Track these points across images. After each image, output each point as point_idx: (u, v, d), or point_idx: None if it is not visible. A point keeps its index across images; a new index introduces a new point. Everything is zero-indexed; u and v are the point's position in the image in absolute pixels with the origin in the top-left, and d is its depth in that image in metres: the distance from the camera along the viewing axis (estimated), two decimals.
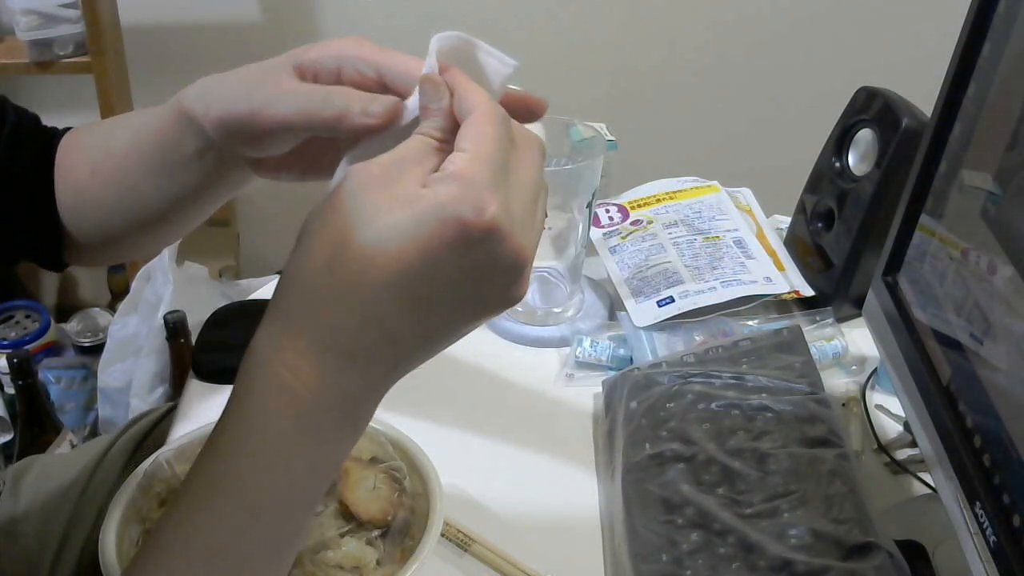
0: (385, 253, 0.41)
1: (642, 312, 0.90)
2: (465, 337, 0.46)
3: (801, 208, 0.98)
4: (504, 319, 0.92)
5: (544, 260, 0.90)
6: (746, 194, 1.04)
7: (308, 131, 0.50)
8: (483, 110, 0.44)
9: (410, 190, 0.41)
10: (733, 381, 0.76)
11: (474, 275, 0.42)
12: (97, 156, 0.65)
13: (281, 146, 0.53)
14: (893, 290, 0.71)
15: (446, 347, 0.46)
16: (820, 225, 0.95)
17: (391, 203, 0.41)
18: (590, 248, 0.96)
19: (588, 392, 0.85)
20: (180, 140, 0.57)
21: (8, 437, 1.55)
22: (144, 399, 1.53)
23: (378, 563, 0.64)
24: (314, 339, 0.42)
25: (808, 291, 0.92)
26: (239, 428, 0.43)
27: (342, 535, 0.66)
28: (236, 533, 0.43)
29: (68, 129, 0.68)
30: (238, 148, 0.54)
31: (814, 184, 0.96)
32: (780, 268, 0.94)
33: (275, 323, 0.43)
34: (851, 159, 0.91)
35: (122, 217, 0.63)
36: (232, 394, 0.44)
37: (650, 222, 0.98)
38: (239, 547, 0.43)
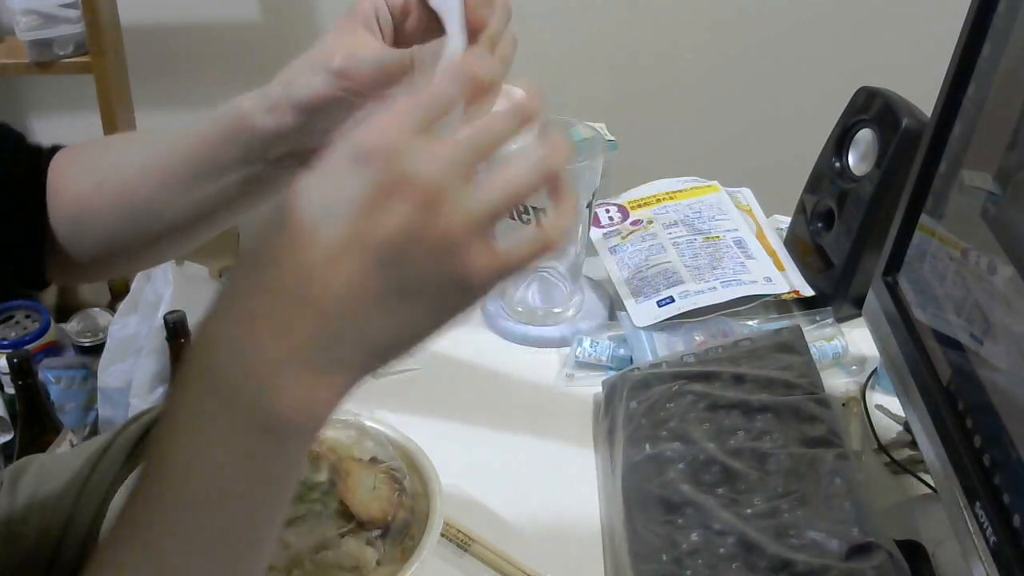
0: (282, 211, 0.39)
1: (642, 312, 0.90)
2: (449, 325, 0.41)
3: (801, 208, 0.98)
4: (504, 319, 0.92)
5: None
6: (746, 194, 1.04)
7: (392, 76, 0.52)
8: (451, 63, 0.43)
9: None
10: (733, 381, 0.76)
11: (364, 208, 0.38)
12: (104, 169, 0.65)
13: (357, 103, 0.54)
14: (893, 290, 0.71)
15: (396, 321, 0.40)
16: (820, 225, 0.95)
17: (317, 166, 0.40)
18: (590, 248, 0.96)
19: (588, 392, 0.85)
20: (220, 151, 0.58)
21: (8, 437, 1.54)
22: (144, 399, 1.53)
23: (378, 563, 0.64)
24: (223, 308, 0.41)
25: (808, 291, 0.92)
26: (166, 410, 0.42)
27: (342, 535, 0.65)
28: (171, 521, 0.41)
29: (56, 148, 0.67)
30: (319, 122, 0.55)
31: (814, 184, 0.96)
32: (780, 268, 0.94)
33: (219, 293, 0.42)
34: (851, 159, 0.91)
35: (131, 230, 0.64)
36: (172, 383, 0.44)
37: (650, 222, 0.98)
38: (177, 538, 0.41)
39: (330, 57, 0.57)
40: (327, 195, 0.39)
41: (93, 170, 0.65)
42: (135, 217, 0.63)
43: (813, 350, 0.80)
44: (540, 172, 0.41)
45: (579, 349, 0.87)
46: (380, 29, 0.59)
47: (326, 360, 0.40)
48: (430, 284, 0.40)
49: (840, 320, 0.91)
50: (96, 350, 1.69)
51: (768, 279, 0.92)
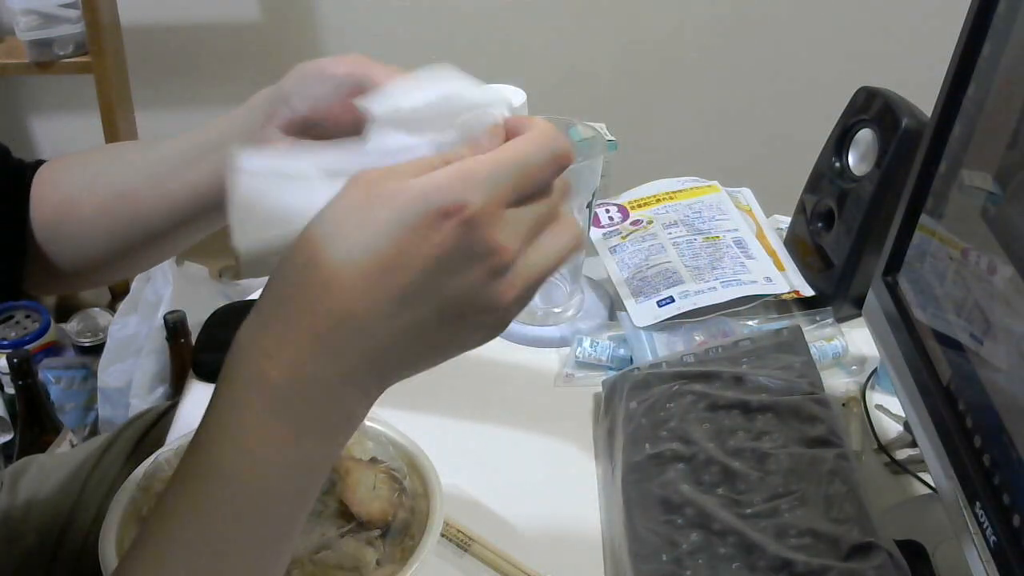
0: (361, 244, 0.41)
1: (642, 312, 0.90)
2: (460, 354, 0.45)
3: (801, 208, 0.98)
4: None
5: None
6: (746, 194, 1.04)
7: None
8: (535, 129, 0.44)
9: (397, 184, 0.41)
10: (733, 381, 0.76)
11: (447, 264, 0.41)
12: (94, 172, 0.65)
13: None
14: (893, 290, 0.71)
15: (437, 354, 0.45)
16: (820, 225, 0.95)
17: (375, 200, 0.41)
18: (590, 248, 0.96)
19: (588, 392, 0.85)
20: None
21: (8, 437, 1.55)
22: (144, 399, 1.54)
23: (378, 563, 0.64)
24: (289, 328, 0.42)
25: (808, 291, 0.92)
26: (220, 418, 0.43)
27: (342, 535, 0.66)
28: (219, 525, 0.43)
29: (40, 162, 0.68)
30: (309, 96, 0.57)
31: (814, 184, 0.96)
32: (780, 268, 0.94)
33: (257, 314, 0.44)
34: (851, 159, 0.91)
35: (122, 234, 0.64)
36: (215, 388, 0.44)
37: (650, 222, 0.98)
38: (223, 541, 0.43)
39: (322, 70, 0.57)
40: (407, 239, 0.41)
41: (81, 176, 0.66)
42: (118, 222, 0.63)
43: (813, 350, 0.80)
44: (579, 239, 0.46)
45: (579, 349, 0.87)
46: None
47: (375, 382, 0.44)
48: (477, 330, 0.44)
49: (840, 320, 0.91)
50: (96, 350, 1.69)
51: (768, 279, 0.92)
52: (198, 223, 0.63)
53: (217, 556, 0.43)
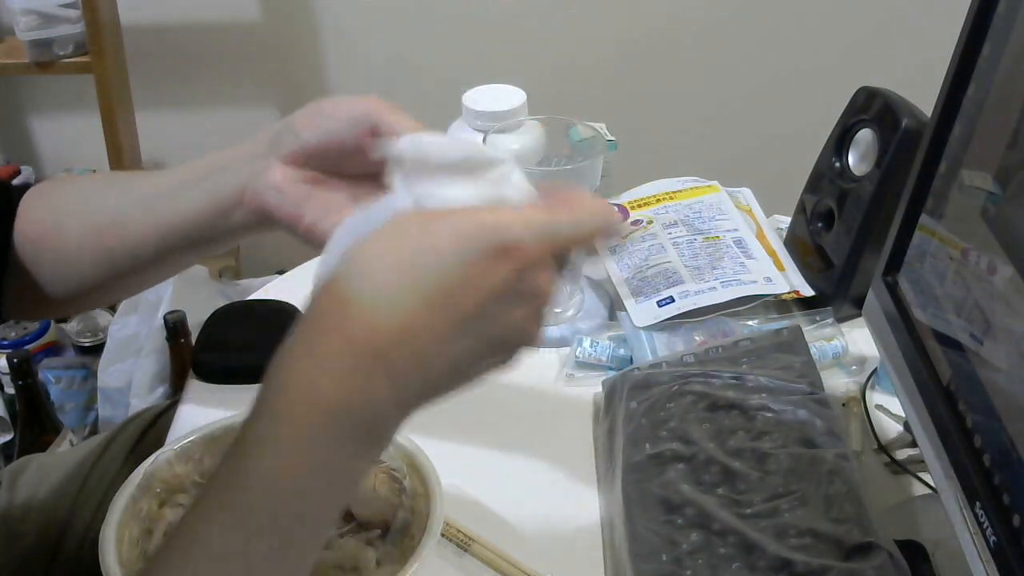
0: (426, 267, 0.42)
1: (642, 312, 0.90)
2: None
3: (801, 208, 0.98)
4: None
5: None
6: (746, 194, 1.04)
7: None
8: (600, 206, 0.48)
9: (464, 213, 0.44)
10: (733, 381, 0.76)
11: (501, 299, 0.43)
12: (82, 198, 0.65)
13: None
14: (893, 290, 0.71)
15: (469, 381, 0.46)
16: (820, 225, 0.95)
17: (444, 225, 0.43)
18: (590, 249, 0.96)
19: (588, 392, 0.85)
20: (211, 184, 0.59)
21: (8, 437, 1.55)
22: (144, 399, 1.53)
23: (378, 563, 0.64)
24: (346, 339, 0.42)
25: (808, 291, 0.92)
26: (264, 428, 0.43)
27: (342, 535, 0.66)
28: (254, 536, 0.42)
29: (26, 186, 0.68)
30: (319, 129, 0.57)
31: (814, 184, 0.96)
32: (780, 268, 0.94)
33: (309, 321, 0.44)
34: (851, 159, 0.91)
35: (108, 260, 0.63)
36: (257, 395, 0.44)
37: (650, 222, 0.98)
38: (256, 553, 0.43)
39: (338, 106, 0.58)
40: (467, 270, 0.42)
41: (64, 202, 0.65)
42: (106, 247, 0.63)
43: (813, 350, 0.80)
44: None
45: (579, 349, 0.87)
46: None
47: (419, 404, 0.45)
48: (506, 358, 0.47)
49: (840, 320, 0.91)
50: (96, 350, 1.69)
51: (768, 279, 0.92)
52: (188, 251, 0.62)
53: (249, 567, 0.43)
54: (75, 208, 0.65)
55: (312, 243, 0.58)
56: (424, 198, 0.47)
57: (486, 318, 0.43)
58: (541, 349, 0.91)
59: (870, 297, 0.74)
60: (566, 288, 0.92)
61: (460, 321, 0.43)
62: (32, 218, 0.65)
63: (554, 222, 0.45)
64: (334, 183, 0.58)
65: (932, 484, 0.72)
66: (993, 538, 0.52)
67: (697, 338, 0.87)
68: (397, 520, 0.66)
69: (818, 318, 0.90)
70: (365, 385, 0.42)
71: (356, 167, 0.58)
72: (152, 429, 0.89)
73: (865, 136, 0.90)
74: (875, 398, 0.85)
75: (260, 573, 0.43)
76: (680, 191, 1.02)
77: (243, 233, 0.61)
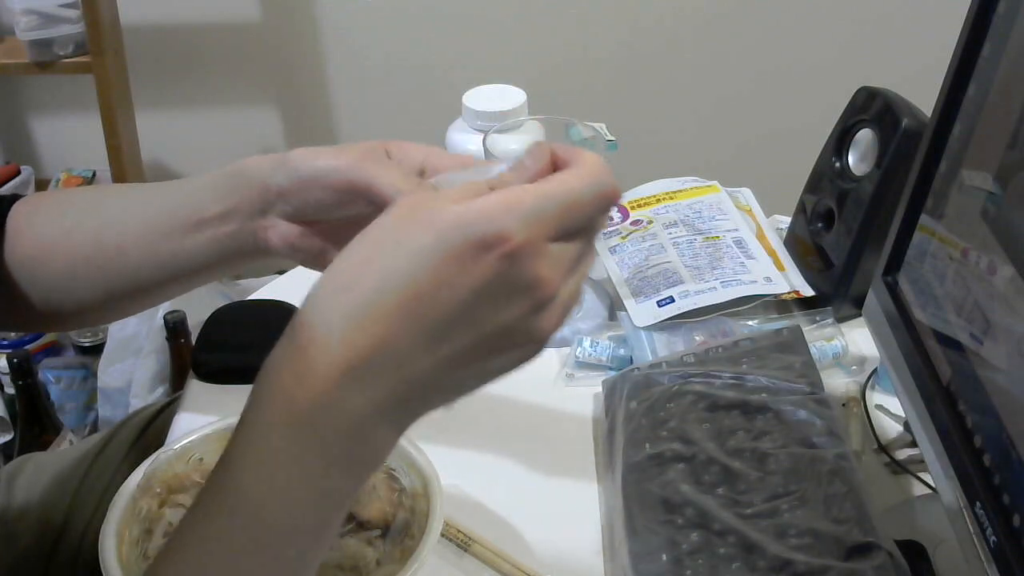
0: (398, 271, 0.40)
1: (642, 312, 0.90)
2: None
3: (801, 208, 0.98)
4: None
5: None
6: (746, 194, 1.04)
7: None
8: (585, 164, 0.43)
9: (440, 207, 0.40)
10: (733, 381, 0.76)
11: (487, 297, 0.40)
12: (77, 217, 0.63)
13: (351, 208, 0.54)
14: (893, 290, 0.71)
15: (469, 385, 0.44)
16: (820, 225, 0.95)
17: (414, 225, 0.40)
18: None
19: (588, 392, 0.85)
20: (212, 201, 0.57)
21: (8, 437, 1.55)
22: (144, 399, 1.54)
23: (378, 563, 0.64)
24: (321, 351, 0.41)
25: (808, 291, 0.92)
26: (246, 441, 0.42)
27: (342, 535, 0.65)
28: (240, 554, 0.42)
29: (16, 197, 0.66)
30: (308, 202, 0.54)
31: (814, 184, 0.96)
32: (780, 268, 0.94)
33: (290, 334, 0.42)
34: (851, 159, 0.91)
35: (106, 285, 0.62)
36: (244, 408, 0.43)
37: (650, 222, 0.98)
38: (243, 571, 0.42)
39: (318, 176, 0.54)
40: (446, 269, 0.39)
41: (59, 220, 0.64)
42: (104, 274, 0.61)
43: (813, 350, 0.80)
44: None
45: (579, 349, 0.87)
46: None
47: (406, 416, 0.43)
48: (511, 359, 0.44)
49: (840, 320, 0.91)
50: (96, 350, 1.69)
51: (768, 279, 0.92)
52: (191, 281, 0.61)
53: None
54: (71, 230, 0.63)
55: None
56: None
57: (473, 318, 0.40)
58: None
59: (870, 297, 0.74)
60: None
61: (440, 322, 0.40)
62: (27, 234, 0.63)
63: (543, 203, 0.41)
64: (346, 225, 0.55)
65: (932, 484, 0.72)
66: (993, 538, 0.52)
67: (697, 338, 0.87)
68: (397, 520, 0.66)
69: (818, 318, 0.90)
70: (340, 395, 0.40)
71: (360, 211, 0.56)
72: (150, 428, 0.88)
73: (865, 136, 0.90)
74: (875, 398, 0.85)
75: None
76: (680, 191, 1.02)
77: (261, 263, 0.60)
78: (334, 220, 0.56)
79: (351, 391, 0.41)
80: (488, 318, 0.41)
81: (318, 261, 0.57)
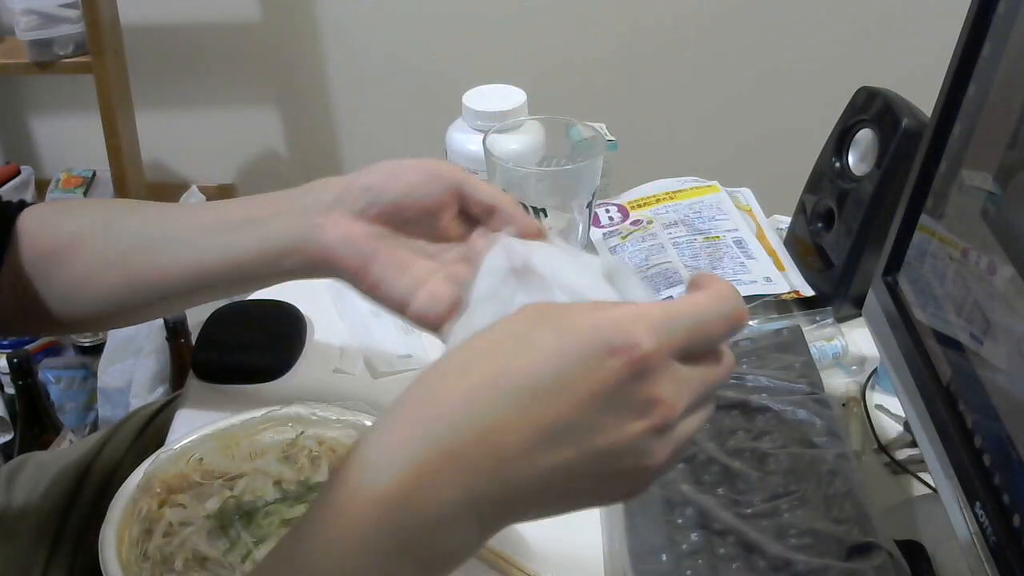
0: (520, 363, 0.38)
1: None
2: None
3: (801, 208, 0.98)
4: None
5: None
6: (746, 194, 1.04)
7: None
8: (714, 287, 0.42)
9: (572, 313, 0.40)
10: (733, 381, 0.76)
11: (606, 404, 0.38)
12: (104, 221, 0.64)
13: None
14: (893, 290, 0.71)
15: (564, 505, 0.41)
16: (820, 225, 0.95)
17: (542, 325, 0.40)
18: (590, 248, 0.96)
19: None
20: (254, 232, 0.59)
21: (8, 437, 1.55)
22: (144, 399, 1.54)
23: None
24: (423, 432, 0.38)
25: (808, 291, 0.92)
26: (321, 514, 0.40)
27: None
28: None
29: (22, 203, 0.66)
30: (395, 187, 0.57)
31: (814, 184, 0.96)
32: (780, 268, 0.94)
33: (394, 408, 0.40)
34: (851, 159, 0.91)
35: (128, 292, 0.62)
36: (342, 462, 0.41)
37: (650, 222, 0.98)
38: None
39: (421, 168, 0.58)
40: (569, 369, 0.38)
41: (85, 220, 0.64)
42: (130, 280, 0.62)
43: (813, 350, 0.80)
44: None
45: None
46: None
47: (496, 519, 0.40)
48: (620, 487, 0.41)
49: (840, 320, 0.91)
50: (96, 350, 1.69)
51: (768, 279, 0.92)
52: (222, 289, 0.62)
53: None
54: (97, 229, 0.63)
55: (374, 299, 0.58)
56: (536, 291, 0.46)
57: (587, 426, 0.38)
58: None
59: (870, 297, 0.74)
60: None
61: (554, 426, 0.38)
62: (47, 232, 0.64)
63: (671, 317, 0.40)
64: (400, 240, 0.58)
65: (932, 484, 0.72)
66: (993, 538, 0.52)
67: None
68: None
69: (818, 318, 0.90)
70: (431, 481, 0.38)
71: (424, 226, 0.58)
72: (150, 428, 0.88)
73: (865, 136, 0.90)
74: (875, 398, 0.85)
75: None
76: (680, 191, 1.02)
77: (287, 278, 0.61)
78: (406, 209, 0.57)
79: (446, 479, 0.38)
80: (601, 429, 0.39)
81: (367, 264, 0.57)
